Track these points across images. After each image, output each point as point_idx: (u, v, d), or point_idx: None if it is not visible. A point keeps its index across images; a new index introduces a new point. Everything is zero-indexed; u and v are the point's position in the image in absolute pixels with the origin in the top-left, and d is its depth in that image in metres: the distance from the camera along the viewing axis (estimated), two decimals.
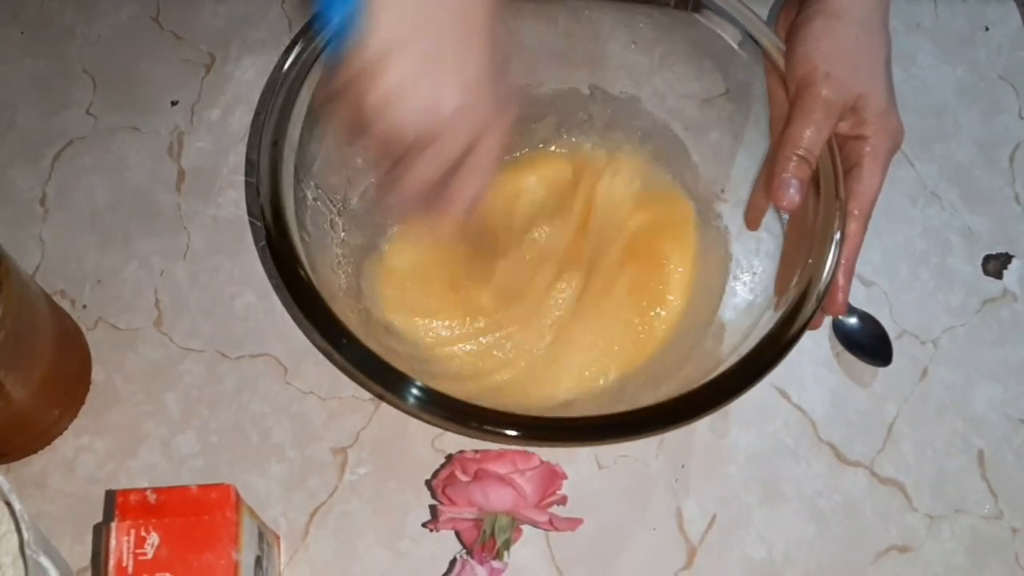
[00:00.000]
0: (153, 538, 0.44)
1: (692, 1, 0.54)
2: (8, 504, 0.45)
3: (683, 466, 0.56)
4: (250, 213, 0.63)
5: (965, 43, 0.70)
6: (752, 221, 0.55)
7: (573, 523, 0.51)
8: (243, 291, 0.61)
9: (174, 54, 0.69)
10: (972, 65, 0.69)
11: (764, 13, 0.67)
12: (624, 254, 0.59)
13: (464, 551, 0.52)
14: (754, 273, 0.55)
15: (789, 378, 0.58)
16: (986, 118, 0.67)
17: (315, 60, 0.51)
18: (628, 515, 0.55)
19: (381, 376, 0.45)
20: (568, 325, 0.57)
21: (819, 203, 0.50)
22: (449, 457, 0.54)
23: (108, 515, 0.54)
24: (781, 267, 0.52)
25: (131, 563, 0.43)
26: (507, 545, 0.50)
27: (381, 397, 0.57)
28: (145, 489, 0.45)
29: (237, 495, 0.46)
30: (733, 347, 0.49)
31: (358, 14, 0.38)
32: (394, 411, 0.57)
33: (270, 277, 0.61)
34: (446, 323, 0.57)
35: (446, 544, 0.54)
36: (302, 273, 0.47)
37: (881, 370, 0.59)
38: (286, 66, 0.51)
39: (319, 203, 0.54)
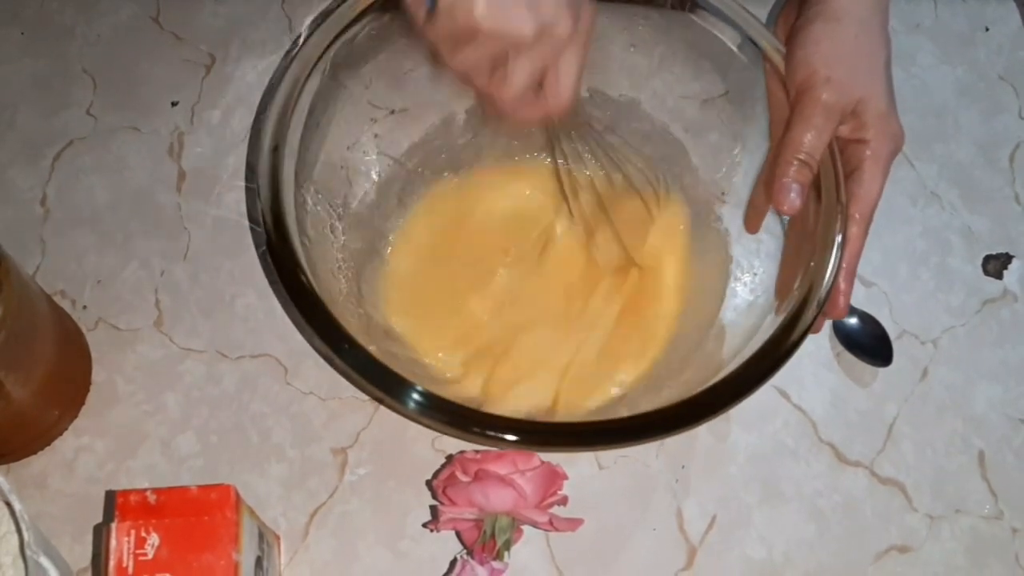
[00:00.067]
0: (153, 538, 0.44)
1: (689, 1, 0.54)
2: (8, 504, 0.45)
3: (683, 466, 0.56)
4: (250, 218, 0.63)
5: (965, 43, 0.70)
6: (752, 224, 0.55)
7: (573, 523, 0.51)
8: (243, 291, 0.61)
9: (174, 54, 0.69)
10: (972, 65, 0.69)
11: (763, 15, 0.67)
12: (623, 261, 0.59)
13: (464, 551, 0.52)
14: (755, 274, 0.55)
15: (789, 378, 0.58)
16: (986, 118, 0.67)
17: (316, 62, 0.51)
18: (628, 515, 0.55)
19: (381, 381, 0.45)
20: (568, 331, 0.57)
21: (820, 207, 0.50)
22: (449, 457, 0.54)
23: (108, 515, 0.54)
24: (782, 271, 0.52)
25: (131, 563, 0.43)
26: (507, 545, 0.50)
27: (381, 401, 0.57)
28: (145, 489, 0.45)
29: (237, 495, 0.46)
30: (735, 350, 0.49)
31: None
32: (394, 412, 0.57)
33: (270, 278, 0.61)
34: (447, 328, 0.57)
35: (446, 544, 0.54)
36: (303, 278, 0.47)
37: (881, 370, 0.59)
38: (287, 68, 0.51)
39: (319, 208, 0.54)
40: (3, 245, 0.49)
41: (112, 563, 0.43)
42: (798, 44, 0.50)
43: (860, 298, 0.60)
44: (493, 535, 0.50)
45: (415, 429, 0.56)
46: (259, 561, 0.48)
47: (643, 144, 0.61)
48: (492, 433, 0.44)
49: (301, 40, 0.52)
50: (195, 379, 0.58)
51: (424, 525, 0.54)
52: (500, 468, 0.50)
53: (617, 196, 0.60)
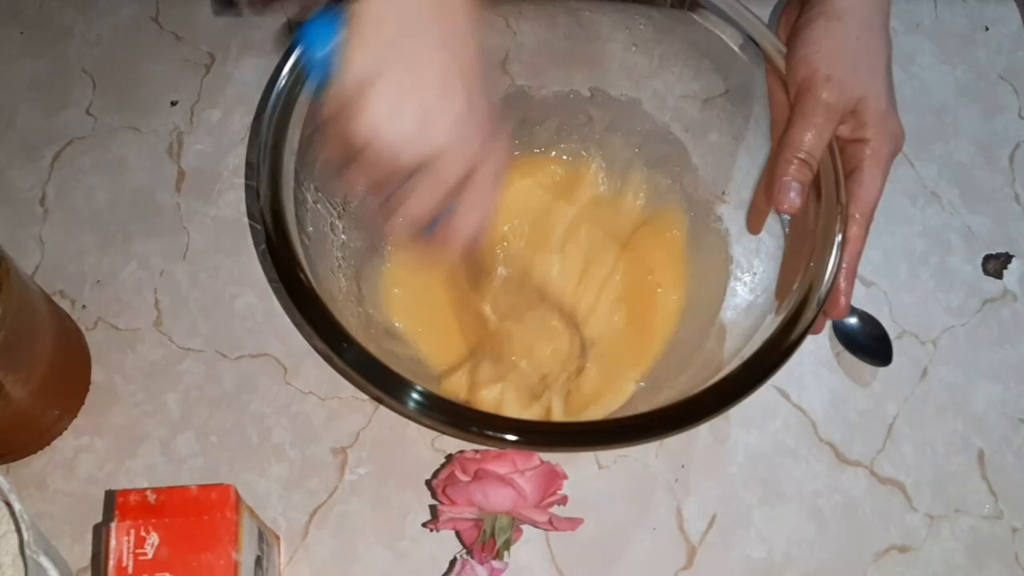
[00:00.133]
0: (153, 538, 0.44)
1: (688, 0, 0.54)
2: (8, 504, 0.45)
3: (683, 466, 0.56)
4: (250, 216, 0.63)
5: (965, 43, 0.70)
6: (754, 225, 0.55)
7: (573, 523, 0.51)
8: (243, 291, 0.61)
9: (174, 54, 0.69)
10: (972, 65, 0.69)
11: (765, 15, 0.67)
12: (621, 263, 0.59)
13: (464, 551, 0.52)
14: (754, 273, 0.55)
15: (789, 378, 0.58)
16: (986, 118, 0.67)
17: None
18: (628, 515, 0.55)
19: (381, 380, 0.45)
20: (568, 332, 0.57)
21: (820, 207, 0.50)
22: (449, 457, 0.54)
23: (108, 515, 0.54)
24: (782, 271, 0.52)
25: (131, 563, 0.43)
26: (507, 545, 0.50)
27: (381, 400, 0.57)
28: (145, 489, 0.45)
29: (237, 495, 0.46)
30: (735, 350, 0.49)
31: (338, 45, 0.38)
32: (394, 411, 0.57)
33: (269, 278, 0.61)
34: (447, 326, 0.57)
35: (446, 544, 0.54)
36: (302, 276, 0.47)
37: (881, 370, 0.59)
38: (286, 68, 0.51)
39: (319, 206, 0.54)
40: (3, 245, 0.49)
41: (112, 563, 0.43)
42: (799, 43, 0.50)
43: (860, 298, 0.60)
44: (493, 535, 0.50)
45: (415, 429, 0.56)
46: (259, 561, 0.48)
47: (644, 145, 0.60)
48: (492, 433, 0.44)
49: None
50: (195, 379, 0.58)
51: (424, 525, 0.54)
52: (500, 468, 0.50)
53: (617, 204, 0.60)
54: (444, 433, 0.56)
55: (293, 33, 0.70)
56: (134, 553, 0.44)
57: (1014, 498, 0.56)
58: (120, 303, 0.60)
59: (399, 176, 0.40)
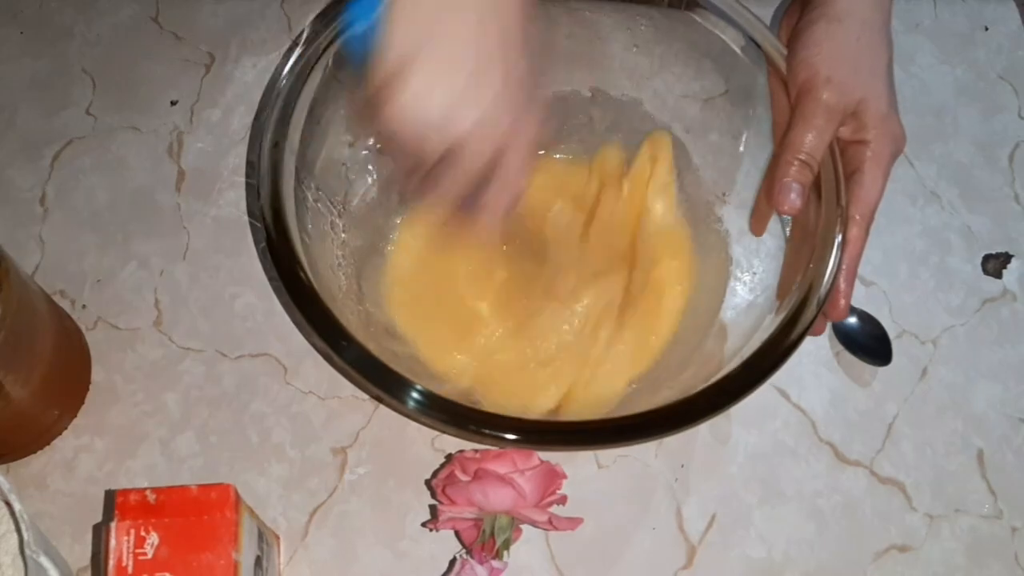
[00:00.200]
0: (153, 538, 0.44)
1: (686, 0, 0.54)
2: (8, 504, 0.45)
3: (683, 466, 0.56)
4: (250, 214, 0.63)
5: (965, 43, 0.70)
6: (757, 226, 0.55)
7: (573, 523, 0.51)
8: (243, 291, 0.61)
9: (174, 54, 0.69)
10: (972, 65, 0.69)
11: (767, 16, 0.67)
12: (624, 261, 0.59)
13: (464, 551, 0.52)
14: (754, 273, 0.55)
15: (789, 378, 0.58)
16: (986, 118, 0.67)
17: (316, 60, 0.51)
18: (628, 515, 0.55)
19: (380, 379, 0.45)
20: (569, 333, 0.57)
21: (820, 208, 0.50)
22: (449, 457, 0.54)
23: (108, 515, 0.54)
24: (783, 271, 0.52)
25: (131, 563, 0.43)
26: (507, 545, 0.50)
27: (380, 400, 0.57)
28: (145, 489, 0.45)
29: (237, 495, 0.46)
30: (735, 349, 0.49)
31: (379, 22, 0.38)
32: (393, 411, 0.57)
33: (270, 277, 0.61)
34: (448, 325, 0.57)
35: (446, 544, 0.54)
36: (302, 275, 0.47)
37: (881, 370, 0.59)
38: (287, 67, 0.51)
39: (319, 204, 0.54)
40: (3, 245, 0.49)
41: (112, 562, 0.43)
42: (800, 45, 0.50)
43: (860, 297, 0.60)
44: (492, 534, 0.50)
45: (415, 428, 0.56)
46: (259, 561, 0.48)
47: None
48: (491, 432, 0.44)
49: (302, 38, 0.52)
50: (195, 379, 0.58)
51: (423, 524, 0.54)
52: (499, 467, 0.50)
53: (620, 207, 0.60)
54: (444, 432, 0.56)
55: (293, 33, 0.70)
56: (134, 553, 0.44)
57: (1014, 498, 0.56)
58: (120, 303, 0.60)
59: (433, 156, 0.41)
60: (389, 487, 0.55)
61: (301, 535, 0.54)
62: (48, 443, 0.56)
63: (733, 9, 0.53)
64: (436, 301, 0.58)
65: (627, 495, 0.55)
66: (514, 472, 0.49)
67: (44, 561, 0.43)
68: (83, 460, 0.56)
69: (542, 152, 0.62)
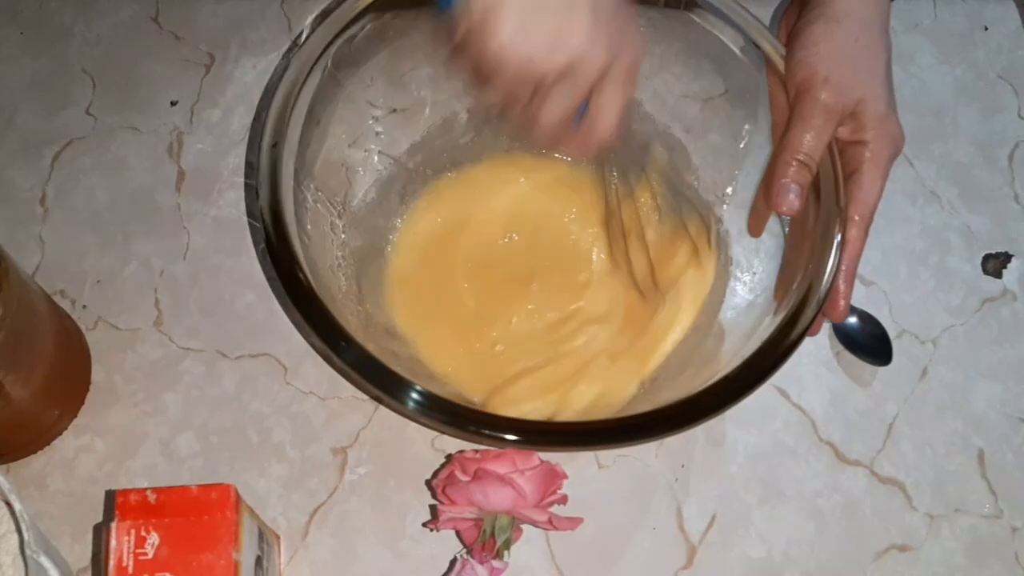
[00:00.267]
0: (153, 538, 0.44)
1: (684, 0, 0.54)
2: (8, 504, 0.45)
3: (683, 466, 0.56)
4: (250, 215, 0.63)
5: (964, 43, 0.70)
6: (755, 227, 0.55)
7: (573, 523, 0.51)
8: (243, 291, 0.61)
9: (174, 54, 0.69)
10: (971, 65, 0.69)
11: (766, 16, 0.67)
12: (625, 263, 0.59)
13: (464, 551, 0.52)
14: (754, 273, 0.55)
15: (789, 378, 0.58)
16: (985, 117, 0.67)
17: (316, 61, 0.51)
18: (628, 515, 0.55)
19: (380, 379, 0.45)
20: (569, 334, 0.57)
21: (819, 208, 0.50)
22: (449, 457, 0.54)
23: (108, 515, 0.54)
24: (782, 272, 0.52)
25: (131, 563, 0.43)
26: (507, 545, 0.50)
27: (380, 400, 0.57)
28: (145, 489, 0.45)
29: (237, 495, 0.46)
30: (734, 350, 0.49)
31: None
32: (394, 411, 0.57)
33: (270, 277, 0.61)
34: (448, 326, 0.57)
35: (446, 544, 0.54)
36: (301, 276, 0.47)
37: (881, 369, 0.59)
38: (287, 67, 0.51)
39: (319, 205, 0.54)
40: (3, 245, 0.49)
41: (112, 562, 0.43)
42: (798, 45, 0.50)
43: (860, 297, 0.60)
44: (493, 534, 0.50)
45: (415, 429, 0.56)
46: (259, 561, 0.48)
47: (645, 145, 0.60)
48: (491, 432, 0.44)
49: (302, 38, 0.52)
50: (195, 379, 0.58)
51: (424, 524, 0.54)
52: (499, 467, 0.50)
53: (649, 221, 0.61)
54: (444, 433, 0.56)
55: (293, 33, 0.70)
56: (134, 553, 0.44)
57: (1014, 497, 0.56)
58: (120, 303, 0.60)
59: (536, 85, 0.41)
60: (389, 487, 0.55)
61: (301, 535, 0.54)
62: (48, 443, 0.56)
63: (732, 9, 0.53)
64: (436, 301, 0.58)
65: (627, 495, 0.55)
66: (514, 472, 0.49)
67: (44, 561, 0.43)
68: (83, 460, 0.56)
69: (543, 151, 0.62)
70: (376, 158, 0.59)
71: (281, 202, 0.48)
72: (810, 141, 0.48)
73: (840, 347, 0.59)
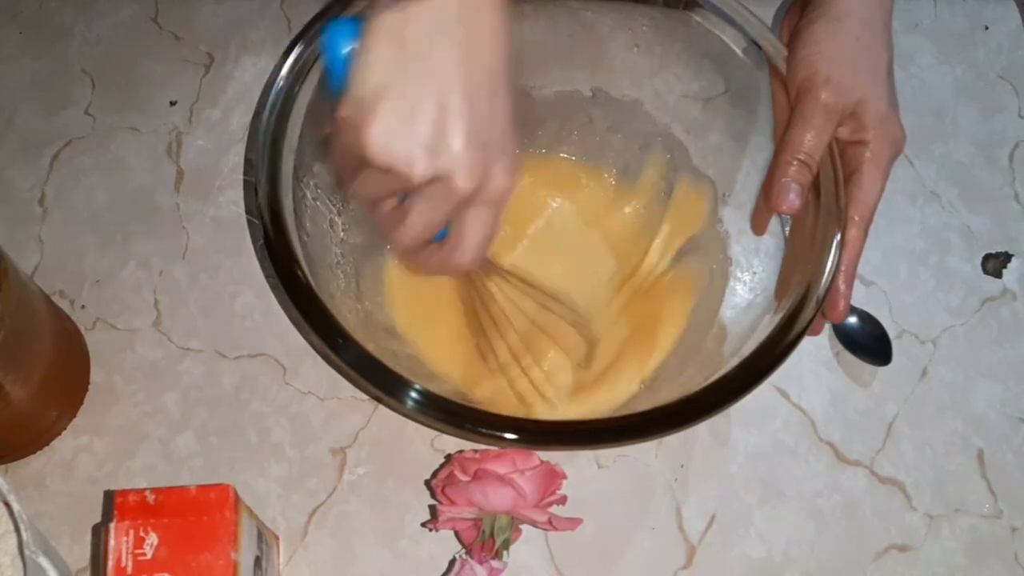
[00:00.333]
0: (152, 538, 0.44)
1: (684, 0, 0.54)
2: (7, 504, 0.45)
3: (683, 466, 0.56)
4: (249, 213, 0.63)
5: (964, 42, 0.70)
6: (758, 226, 0.55)
7: (573, 523, 0.51)
8: (242, 291, 0.61)
9: (173, 54, 0.69)
10: (971, 64, 0.69)
11: (768, 16, 0.67)
12: (625, 264, 0.59)
13: (463, 551, 0.52)
14: (754, 273, 0.55)
15: (789, 378, 0.58)
16: (985, 117, 0.67)
17: (316, 60, 0.51)
18: (628, 515, 0.55)
19: (378, 378, 0.45)
20: (573, 332, 0.57)
21: (819, 208, 0.50)
22: (448, 457, 0.54)
23: (107, 515, 0.54)
24: (782, 272, 0.52)
25: (130, 563, 0.43)
26: (506, 545, 0.50)
27: (380, 400, 0.57)
28: (144, 489, 0.45)
29: (236, 495, 0.46)
30: (734, 350, 0.49)
31: (355, 52, 0.37)
32: (393, 411, 0.57)
33: (268, 277, 0.61)
34: (447, 324, 0.57)
35: (445, 544, 0.54)
36: (299, 273, 0.47)
37: (881, 369, 0.59)
38: (286, 66, 0.51)
39: (318, 203, 0.54)
40: (2, 245, 0.49)
41: (111, 563, 0.43)
42: (800, 44, 0.50)
43: (860, 297, 0.60)
44: (492, 534, 0.50)
45: (414, 428, 0.56)
46: (258, 561, 0.48)
47: (645, 145, 0.60)
48: (490, 432, 0.44)
49: (302, 36, 0.52)
50: (194, 379, 0.58)
51: (423, 524, 0.54)
52: (499, 467, 0.50)
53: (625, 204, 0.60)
54: (443, 432, 0.56)
55: (293, 33, 0.70)
56: (133, 553, 0.43)
57: (1014, 497, 0.56)
58: (119, 303, 0.60)
59: (401, 190, 0.40)
60: (388, 487, 0.55)
61: (300, 535, 0.54)
62: (47, 443, 0.56)
63: (733, 9, 0.53)
64: (436, 300, 0.58)
65: (627, 495, 0.55)
66: (514, 472, 0.49)
67: (43, 562, 0.43)
68: (82, 460, 0.56)
69: (544, 150, 0.62)
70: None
71: (280, 199, 0.48)
72: (810, 141, 0.48)
73: (840, 347, 0.59)
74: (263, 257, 0.61)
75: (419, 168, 0.38)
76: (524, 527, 0.53)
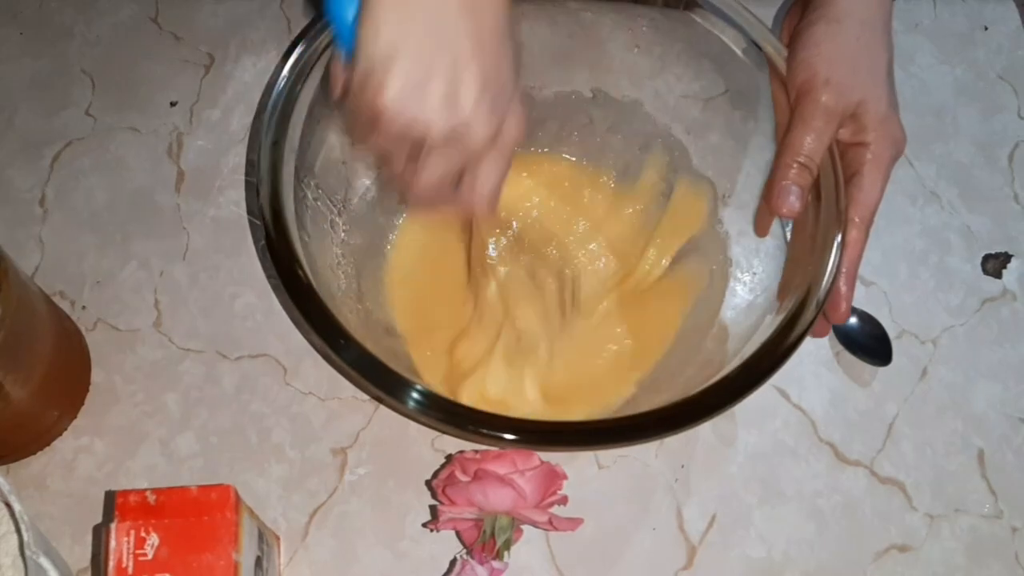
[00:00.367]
0: (153, 539, 0.44)
1: (684, 0, 0.54)
2: (8, 505, 0.45)
3: (683, 466, 0.56)
4: (250, 213, 0.63)
5: (964, 43, 0.70)
6: (761, 228, 0.55)
7: (573, 523, 0.51)
8: (242, 291, 0.61)
9: (173, 54, 0.69)
10: (971, 64, 0.69)
11: (768, 17, 0.67)
12: (625, 263, 0.59)
13: (464, 551, 0.52)
14: (754, 274, 0.55)
15: (789, 378, 0.58)
16: (985, 117, 0.67)
17: (316, 60, 0.51)
18: (628, 515, 0.55)
19: (379, 378, 0.45)
20: (569, 333, 0.57)
21: (820, 210, 0.50)
22: (449, 457, 0.54)
23: (108, 516, 0.54)
24: (784, 273, 0.52)
25: (131, 564, 0.43)
26: (507, 545, 0.50)
27: (380, 399, 0.57)
28: (145, 490, 0.45)
29: (237, 496, 0.46)
30: (735, 350, 0.49)
31: (360, 16, 0.38)
32: (394, 412, 0.57)
33: (269, 277, 0.61)
34: (448, 324, 0.57)
35: (446, 544, 0.54)
36: (301, 273, 0.47)
37: (881, 370, 0.59)
38: (287, 66, 0.51)
39: (319, 203, 0.54)
40: (2, 245, 0.49)
41: (112, 563, 0.43)
42: (799, 46, 0.50)
43: (860, 297, 0.60)
44: (493, 535, 0.50)
45: (415, 429, 0.56)
46: (259, 561, 0.48)
47: (645, 146, 0.60)
48: (491, 432, 0.44)
49: (302, 36, 0.52)
50: (194, 379, 0.58)
51: (424, 525, 0.54)
52: (500, 468, 0.50)
53: (624, 201, 0.60)
54: (443, 432, 0.56)
55: (293, 33, 0.70)
56: (134, 554, 0.43)
57: (1014, 497, 0.56)
58: (120, 303, 0.60)
59: (419, 146, 0.40)
60: (389, 488, 0.55)
61: (301, 535, 0.54)
62: (48, 444, 0.56)
63: (733, 9, 0.53)
64: (437, 300, 0.58)
65: (627, 495, 0.55)
66: (514, 473, 0.49)
67: (44, 562, 0.43)
68: (83, 461, 0.56)
69: (546, 150, 0.62)
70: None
71: (281, 199, 0.48)
72: (811, 143, 0.48)
73: (840, 347, 0.59)
74: (264, 257, 0.61)
75: (436, 129, 0.39)
76: (525, 527, 0.53)
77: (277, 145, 0.49)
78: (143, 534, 0.44)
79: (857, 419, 0.58)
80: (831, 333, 0.59)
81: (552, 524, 0.50)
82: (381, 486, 0.55)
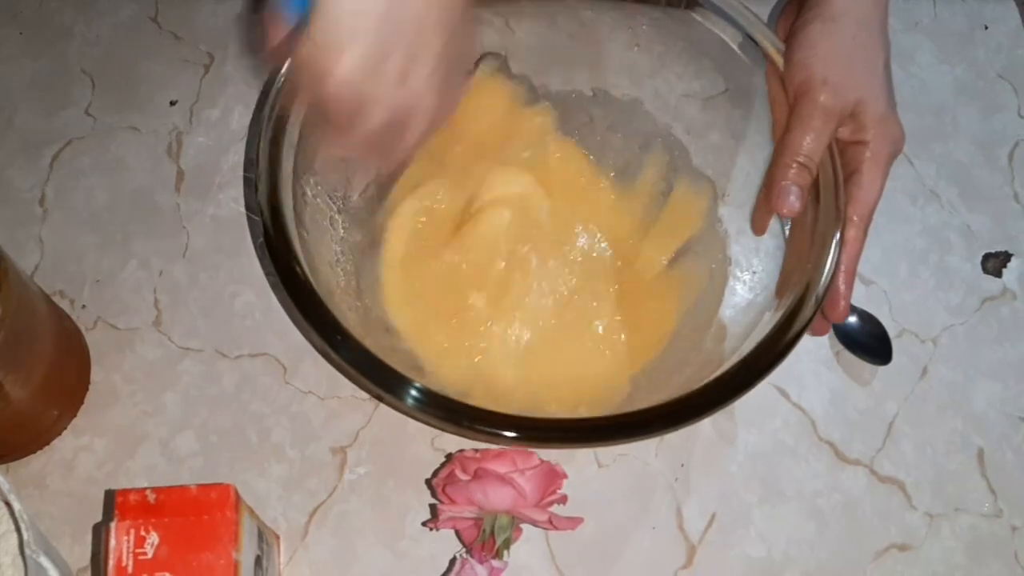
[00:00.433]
0: (153, 538, 0.44)
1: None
2: (7, 504, 0.45)
3: (683, 465, 0.56)
4: (249, 209, 0.63)
5: (964, 42, 0.70)
6: (759, 226, 0.55)
7: (573, 522, 0.51)
8: (242, 290, 0.61)
9: (173, 54, 0.69)
10: (971, 64, 0.69)
11: (764, 15, 0.67)
12: (624, 261, 0.59)
13: (464, 550, 0.52)
14: (754, 272, 0.55)
15: (789, 377, 0.58)
16: (985, 117, 0.67)
17: None
18: (628, 514, 0.55)
19: (378, 376, 0.45)
20: (569, 329, 0.57)
21: (819, 209, 0.50)
22: (449, 456, 0.54)
23: (108, 515, 0.54)
24: (783, 272, 0.52)
25: (131, 563, 0.43)
26: (507, 544, 0.50)
27: (379, 398, 0.57)
28: (145, 489, 0.45)
29: (237, 495, 0.46)
30: (734, 348, 0.49)
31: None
32: (394, 410, 0.57)
33: (269, 275, 0.61)
34: (447, 322, 0.57)
35: (446, 543, 0.54)
36: (299, 270, 0.47)
37: (881, 369, 0.59)
38: (286, 64, 0.51)
39: (319, 200, 0.54)
40: (2, 245, 0.49)
41: (112, 562, 0.43)
42: (796, 46, 0.50)
43: (860, 296, 0.60)
44: (493, 534, 0.50)
45: (414, 428, 0.56)
46: (259, 560, 0.48)
47: (645, 145, 0.60)
48: (490, 430, 0.44)
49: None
50: (194, 378, 0.58)
51: (424, 524, 0.54)
52: (499, 467, 0.50)
53: (622, 196, 0.60)
54: (443, 430, 0.56)
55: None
56: (134, 553, 0.43)
57: (1014, 496, 0.56)
58: (119, 303, 0.60)
59: (359, 112, 0.41)
60: (389, 487, 0.55)
61: (301, 535, 0.54)
62: (48, 443, 0.56)
63: (732, 8, 0.53)
64: (436, 298, 0.58)
65: (627, 494, 0.55)
66: (514, 471, 0.49)
67: (44, 561, 0.43)
68: (83, 460, 0.56)
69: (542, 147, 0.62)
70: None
71: (280, 196, 0.48)
72: (809, 143, 0.48)
73: (840, 346, 0.59)
74: (263, 256, 0.61)
75: (383, 104, 0.40)
76: (525, 526, 0.53)
77: (276, 142, 0.49)
78: (143, 533, 0.44)
79: (857, 418, 0.58)
80: (831, 332, 0.59)
81: (552, 523, 0.50)
82: (381, 485, 0.55)
